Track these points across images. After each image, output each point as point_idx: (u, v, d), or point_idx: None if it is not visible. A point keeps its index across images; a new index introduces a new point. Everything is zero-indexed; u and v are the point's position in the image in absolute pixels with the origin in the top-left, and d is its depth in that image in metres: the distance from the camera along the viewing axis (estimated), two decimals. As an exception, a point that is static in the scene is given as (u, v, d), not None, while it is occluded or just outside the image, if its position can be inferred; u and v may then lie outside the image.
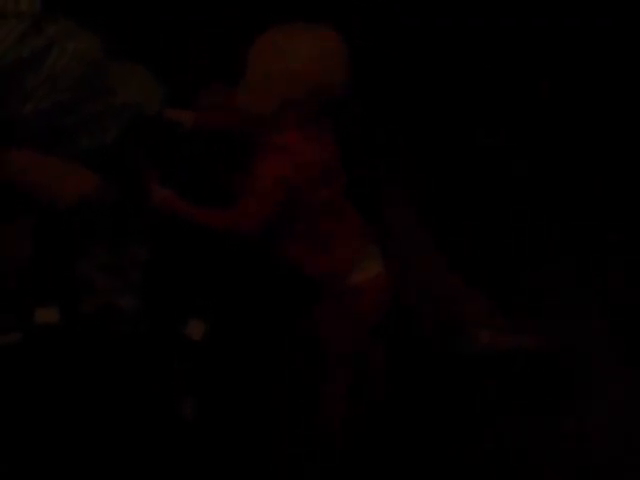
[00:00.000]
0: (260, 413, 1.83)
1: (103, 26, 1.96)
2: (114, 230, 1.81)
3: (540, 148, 2.47)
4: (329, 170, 1.71)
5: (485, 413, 1.98)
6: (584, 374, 2.03)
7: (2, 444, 1.68)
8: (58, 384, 1.71)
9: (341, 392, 1.82)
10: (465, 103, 2.47)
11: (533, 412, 1.98)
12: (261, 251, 1.77)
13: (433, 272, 2.07)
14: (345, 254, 1.75)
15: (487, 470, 1.91)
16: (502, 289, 2.15)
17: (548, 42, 2.52)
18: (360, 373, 1.83)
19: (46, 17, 1.88)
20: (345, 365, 1.80)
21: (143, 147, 1.89)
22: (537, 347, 2.01)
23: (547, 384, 2.00)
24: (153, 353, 1.75)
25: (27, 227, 1.82)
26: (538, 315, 2.12)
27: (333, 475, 1.83)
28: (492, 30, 2.50)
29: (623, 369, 2.07)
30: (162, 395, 1.74)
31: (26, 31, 1.84)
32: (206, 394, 1.77)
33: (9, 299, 1.76)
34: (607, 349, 2.10)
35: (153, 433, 1.72)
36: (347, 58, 1.65)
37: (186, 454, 1.73)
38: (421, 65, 2.45)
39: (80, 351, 1.73)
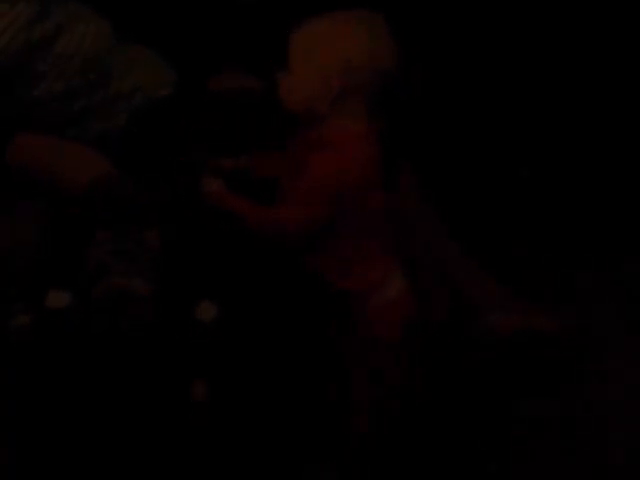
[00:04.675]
0: (272, 398, 1.83)
1: (112, 9, 1.96)
2: (126, 214, 1.80)
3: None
4: (372, 177, 1.62)
5: (499, 397, 1.97)
6: (598, 355, 2.03)
7: (13, 429, 1.69)
8: (67, 367, 1.70)
9: (365, 405, 1.74)
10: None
11: (545, 395, 1.98)
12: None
13: (446, 255, 2.06)
14: (374, 272, 1.66)
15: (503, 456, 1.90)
16: (514, 273, 2.15)
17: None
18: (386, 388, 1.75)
19: (55, 0, 1.87)
20: (367, 381, 1.72)
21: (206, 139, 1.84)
22: (551, 330, 2.00)
23: (559, 367, 1.99)
24: (164, 336, 1.74)
25: (38, 211, 1.81)
26: (553, 298, 2.12)
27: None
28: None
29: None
30: (174, 378, 1.73)
31: (35, 15, 1.83)
32: (219, 377, 1.77)
33: (19, 283, 1.76)
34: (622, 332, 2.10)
35: (165, 416, 1.71)
36: (393, 42, 1.58)
37: (199, 438, 1.73)
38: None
39: (90, 335, 1.73)
